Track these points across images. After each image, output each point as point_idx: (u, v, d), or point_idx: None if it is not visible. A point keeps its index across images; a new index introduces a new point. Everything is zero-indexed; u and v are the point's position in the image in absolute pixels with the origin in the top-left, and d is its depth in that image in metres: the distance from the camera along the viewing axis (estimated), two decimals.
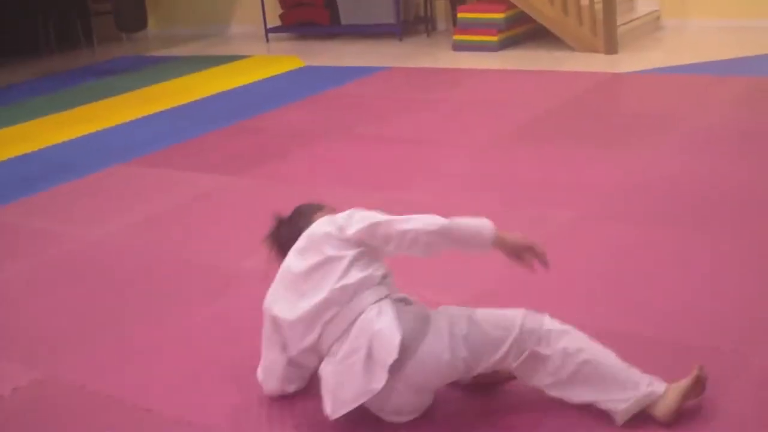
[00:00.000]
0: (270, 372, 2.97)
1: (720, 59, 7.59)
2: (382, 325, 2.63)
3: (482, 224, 2.74)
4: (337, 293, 2.71)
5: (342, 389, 2.67)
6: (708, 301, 3.45)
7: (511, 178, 5.09)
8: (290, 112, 7.30)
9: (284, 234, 3.07)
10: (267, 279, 4.01)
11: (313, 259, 2.80)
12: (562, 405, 2.75)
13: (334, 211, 3.03)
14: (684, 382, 2.67)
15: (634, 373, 2.68)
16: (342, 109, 7.22)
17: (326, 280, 2.74)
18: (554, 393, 2.71)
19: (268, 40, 11.03)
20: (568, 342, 2.66)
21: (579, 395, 2.69)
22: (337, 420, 2.71)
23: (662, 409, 2.65)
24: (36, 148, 6.89)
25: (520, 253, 2.77)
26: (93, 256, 4.60)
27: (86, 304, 4.02)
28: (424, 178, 5.25)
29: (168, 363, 3.39)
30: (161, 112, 7.71)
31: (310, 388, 3.03)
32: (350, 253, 2.77)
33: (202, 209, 5.15)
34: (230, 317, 3.71)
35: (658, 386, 2.67)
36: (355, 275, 2.73)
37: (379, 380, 2.60)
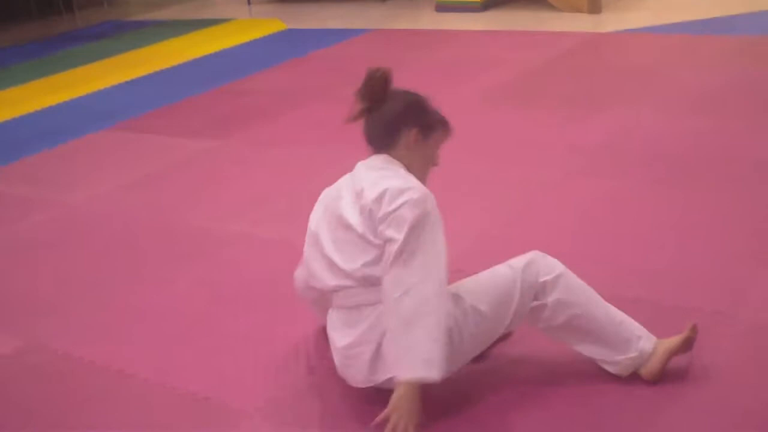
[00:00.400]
0: (300, 273, 3.01)
1: (703, 18, 7.58)
2: None
3: (427, 367, 2.44)
4: (359, 277, 2.62)
5: (348, 370, 2.70)
6: (692, 260, 3.46)
7: (495, 138, 5.08)
8: (274, 75, 7.26)
9: (375, 107, 2.87)
10: (253, 242, 4.03)
11: (355, 218, 2.64)
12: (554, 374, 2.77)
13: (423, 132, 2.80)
14: (674, 343, 2.69)
15: (626, 330, 2.69)
16: (325, 72, 7.18)
17: (358, 254, 2.62)
18: (548, 335, 2.75)
19: (250, 3, 10.95)
20: (561, 293, 2.66)
21: (570, 343, 2.73)
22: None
23: (649, 369, 2.68)
24: (18, 115, 6.84)
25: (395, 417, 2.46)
26: (77, 221, 4.58)
27: (70, 270, 4.01)
28: None
29: (153, 328, 3.38)
30: (143, 77, 7.66)
31: (278, 342, 3.04)
32: (378, 243, 2.58)
33: (186, 173, 5.13)
34: (216, 281, 3.70)
35: (647, 344, 2.68)
36: (379, 270, 2.58)
37: (383, 374, 2.61)
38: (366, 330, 2.63)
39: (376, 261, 2.58)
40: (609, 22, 7.83)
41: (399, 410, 2.44)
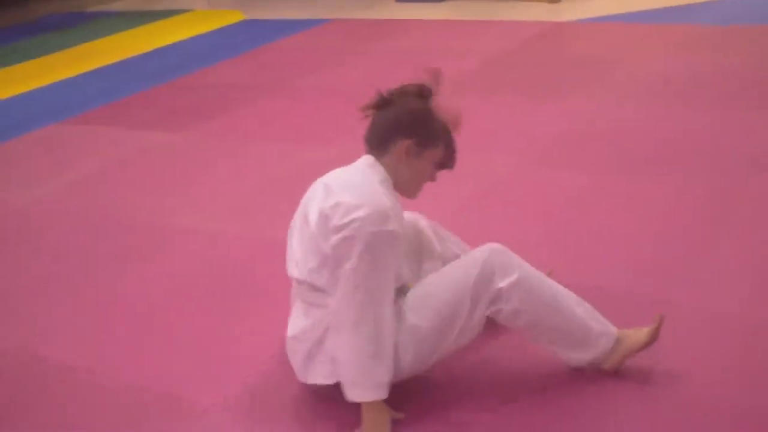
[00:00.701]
0: None
1: (662, 7, 7.61)
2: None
3: (374, 389, 2.48)
4: (308, 279, 2.59)
5: (291, 360, 2.72)
6: (643, 248, 3.45)
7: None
8: (231, 67, 7.18)
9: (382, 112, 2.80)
10: (204, 237, 3.97)
11: (314, 216, 2.57)
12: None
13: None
14: (638, 342, 2.65)
15: (586, 330, 2.65)
16: (284, 63, 7.11)
17: (310, 256, 2.58)
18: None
19: None
20: (517, 302, 2.58)
21: (529, 339, 2.69)
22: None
23: (610, 364, 2.68)
24: None
25: None
26: (28, 219, 4.49)
27: (22, 269, 3.93)
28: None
29: (108, 325, 3.32)
30: (97, 70, 7.56)
31: (234, 337, 3.00)
32: (325, 251, 2.53)
33: (140, 168, 5.05)
34: (171, 276, 3.64)
35: (608, 342, 2.65)
36: (323, 280, 2.57)
37: (312, 377, 2.64)
38: (308, 328, 2.62)
39: (320, 268, 2.54)
40: (568, 11, 7.83)
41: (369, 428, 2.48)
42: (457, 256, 2.91)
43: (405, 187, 2.71)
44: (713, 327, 2.90)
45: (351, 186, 2.58)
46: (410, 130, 2.69)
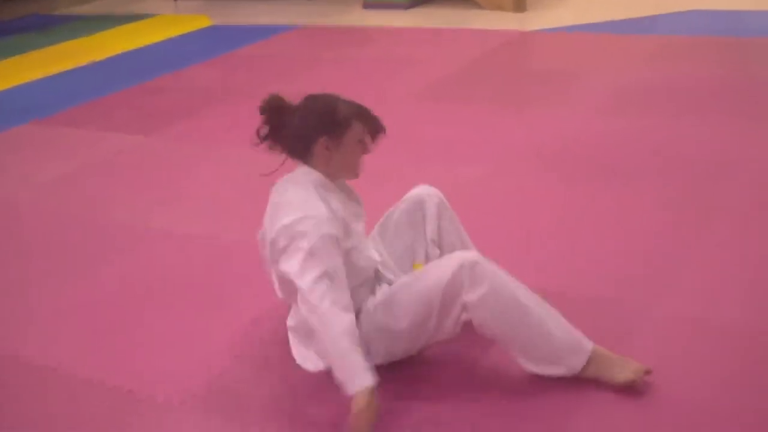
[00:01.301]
0: None
1: (627, 18, 7.70)
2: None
3: (357, 379, 2.51)
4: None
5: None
6: (615, 254, 3.53)
7: (419, 136, 5.11)
8: (198, 72, 7.22)
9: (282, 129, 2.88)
10: (175, 238, 4.01)
11: (266, 232, 2.79)
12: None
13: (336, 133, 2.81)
14: (612, 379, 2.66)
15: (557, 345, 2.67)
16: (250, 69, 7.15)
17: (273, 274, 2.81)
18: None
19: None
20: (484, 317, 2.63)
21: (503, 348, 2.73)
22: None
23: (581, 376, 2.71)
24: None
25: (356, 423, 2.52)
26: None
27: None
28: None
29: (77, 324, 3.36)
30: (66, 72, 7.55)
31: (202, 337, 3.05)
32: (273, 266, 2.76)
33: (111, 169, 5.08)
34: (139, 276, 3.68)
35: (578, 362, 2.67)
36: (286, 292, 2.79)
37: (309, 365, 2.80)
38: (299, 321, 2.80)
39: (281, 285, 2.78)
40: (533, 21, 7.91)
41: (358, 419, 2.49)
42: (451, 246, 3.01)
43: (343, 173, 2.83)
44: (697, 334, 2.96)
45: (289, 204, 2.70)
46: (319, 128, 2.79)
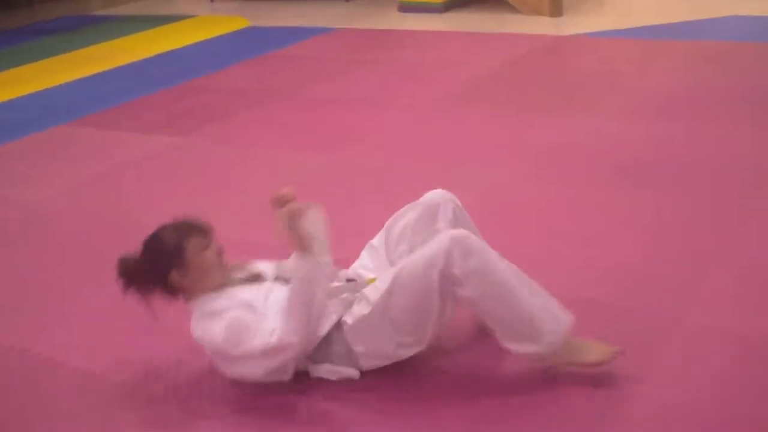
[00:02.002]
0: None
1: (664, 23, 7.65)
2: None
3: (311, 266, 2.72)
4: None
5: None
6: (646, 263, 3.49)
7: (454, 139, 5.11)
8: (235, 73, 7.24)
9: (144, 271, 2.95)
10: None
11: None
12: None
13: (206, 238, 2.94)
14: (583, 360, 2.73)
15: (537, 322, 2.69)
16: (287, 71, 7.17)
17: None
18: None
19: (212, 0, 10.90)
20: (472, 289, 2.66)
21: (484, 319, 2.76)
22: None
23: (551, 362, 2.76)
24: None
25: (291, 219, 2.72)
26: (33, 218, 4.55)
27: (25, 268, 3.98)
28: (367, 140, 5.25)
29: (109, 326, 3.37)
30: (103, 73, 7.60)
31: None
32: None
33: (147, 170, 5.11)
34: None
35: (554, 341, 2.70)
36: None
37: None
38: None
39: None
40: (569, 26, 7.88)
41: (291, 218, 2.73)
42: None
43: (213, 280, 2.88)
44: (712, 343, 2.94)
45: (199, 325, 2.85)
46: (160, 270, 2.87)
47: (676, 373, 2.78)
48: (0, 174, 5.27)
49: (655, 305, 3.17)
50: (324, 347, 2.83)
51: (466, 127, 5.34)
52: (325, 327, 2.79)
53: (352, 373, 2.83)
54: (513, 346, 2.73)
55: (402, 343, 2.77)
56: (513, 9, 8.58)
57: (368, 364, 2.83)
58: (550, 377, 2.77)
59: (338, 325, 2.81)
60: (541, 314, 2.71)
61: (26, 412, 2.92)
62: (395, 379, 2.84)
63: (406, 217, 3.02)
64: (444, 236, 2.71)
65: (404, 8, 9.13)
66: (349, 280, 2.97)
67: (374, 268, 2.93)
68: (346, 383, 2.83)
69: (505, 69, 6.59)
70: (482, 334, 2.89)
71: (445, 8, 8.94)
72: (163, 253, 2.88)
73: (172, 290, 2.89)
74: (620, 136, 4.93)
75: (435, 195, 3.04)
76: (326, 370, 2.84)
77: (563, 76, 6.39)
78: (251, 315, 2.73)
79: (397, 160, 4.84)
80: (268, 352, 2.68)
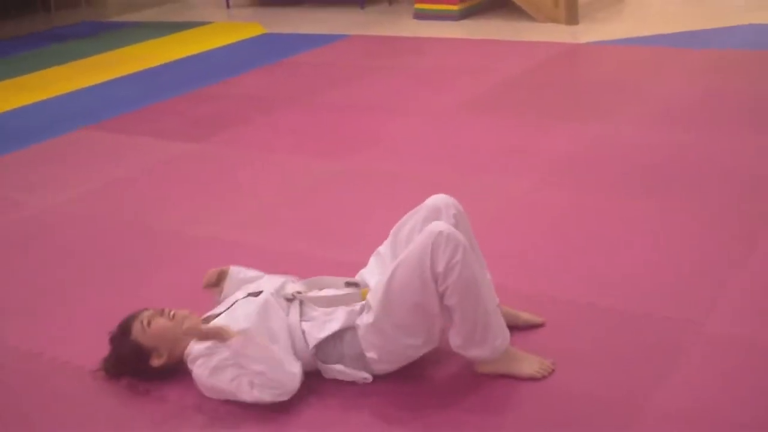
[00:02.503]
0: None
1: (681, 31, 7.63)
2: None
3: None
4: None
5: None
6: (663, 270, 3.48)
7: (469, 146, 5.10)
8: (251, 79, 7.26)
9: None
10: (224, 246, 4.03)
11: None
12: None
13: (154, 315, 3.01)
14: (521, 371, 2.81)
15: (491, 327, 2.76)
16: (302, 77, 7.18)
17: None
18: None
19: (229, 7, 10.93)
20: (453, 280, 2.66)
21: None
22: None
23: (485, 369, 2.84)
24: None
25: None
26: (49, 223, 4.56)
27: (42, 272, 3.99)
28: (380, 146, 5.26)
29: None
30: (120, 78, 7.63)
31: None
32: None
33: (161, 176, 5.12)
34: (187, 284, 3.68)
35: (498, 348, 2.78)
36: None
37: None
38: None
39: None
40: (586, 33, 7.87)
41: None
42: None
43: (186, 339, 2.89)
44: (730, 350, 2.93)
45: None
46: (141, 360, 2.96)
47: (693, 379, 2.77)
48: (16, 179, 5.28)
49: (673, 312, 3.15)
50: (337, 348, 2.84)
51: (480, 134, 5.33)
52: (324, 332, 2.84)
53: (365, 376, 2.84)
54: (460, 349, 2.79)
55: (412, 344, 2.79)
56: (529, 17, 8.57)
57: (380, 368, 2.84)
58: (564, 386, 2.77)
59: (352, 328, 2.82)
60: (493, 318, 2.77)
61: (31, 412, 2.93)
62: (409, 384, 2.84)
63: (409, 223, 3.02)
64: (425, 235, 2.71)
65: (420, 15, 9.14)
66: (348, 284, 3.01)
67: (380, 275, 2.93)
68: (360, 388, 2.83)
69: (521, 76, 6.58)
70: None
71: (461, 16, 8.94)
72: (130, 358, 2.97)
73: (165, 369, 2.97)
74: (636, 143, 4.92)
75: (437, 200, 3.03)
76: (338, 371, 2.85)
77: (579, 84, 6.38)
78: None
79: (411, 167, 4.84)
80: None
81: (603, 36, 7.67)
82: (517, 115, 5.64)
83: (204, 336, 2.78)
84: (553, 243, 3.81)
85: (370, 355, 2.80)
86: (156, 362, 2.93)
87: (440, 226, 2.72)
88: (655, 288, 3.34)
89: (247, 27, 9.53)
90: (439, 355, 2.92)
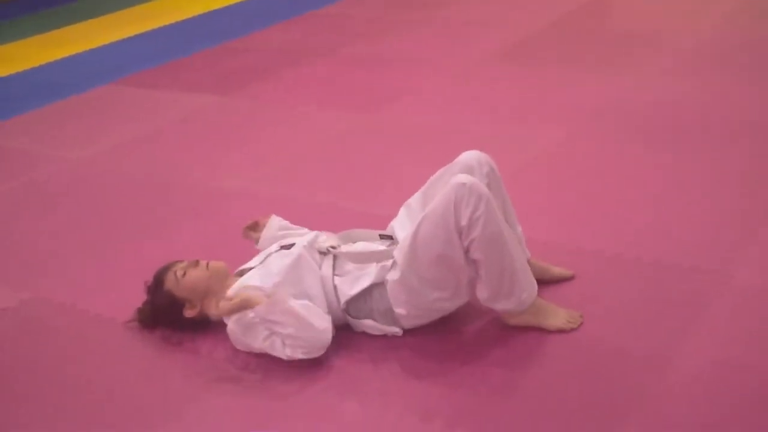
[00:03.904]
0: None
1: None
2: None
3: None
4: None
5: None
6: (692, 222, 3.47)
7: (498, 99, 5.08)
8: (277, 32, 7.23)
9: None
10: (253, 199, 4.05)
11: None
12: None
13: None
14: (553, 323, 2.83)
15: (518, 279, 2.76)
16: (329, 30, 7.15)
17: None
18: None
19: None
20: (477, 233, 2.65)
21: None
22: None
23: (514, 321, 2.85)
24: (18, 70, 6.83)
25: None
26: (79, 176, 4.59)
27: (72, 225, 4.03)
28: (411, 98, 5.24)
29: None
30: (147, 33, 7.63)
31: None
32: None
33: (189, 130, 5.13)
34: (216, 235, 3.72)
35: (525, 300, 2.79)
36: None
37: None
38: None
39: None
40: None
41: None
42: None
43: (218, 290, 2.97)
44: (760, 300, 2.92)
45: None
46: (173, 311, 3.00)
47: (723, 330, 2.77)
48: (46, 134, 5.32)
49: (703, 262, 3.14)
50: (367, 303, 2.86)
51: (508, 87, 5.30)
52: (355, 289, 2.86)
53: (395, 330, 2.85)
54: (487, 301, 2.80)
55: (440, 297, 2.80)
56: None
57: (410, 323, 2.86)
58: (593, 338, 2.77)
59: (381, 284, 2.84)
60: (520, 271, 2.78)
61: (65, 364, 2.98)
62: (438, 338, 2.86)
63: (443, 178, 3.01)
64: (449, 187, 2.70)
65: None
66: (382, 236, 3.01)
67: (410, 228, 2.93)
68: (390, 341, 2.85)
69: (549, 27, 6.52)
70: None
71: None
72: (163, 309, 3.02)
73: (198, 320, 3.01)
74: (666, 95, 4.87)
75: (470, 156, 3.01)
76: (369, 326, 2.87)
77: (609, 34, 6.31)
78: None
79: (439, 119, 4.83)
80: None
81: None
82: (545, 66, 5.60)
83: (233, 312, 2.79)
84: (580, 195, 3.80)
85: (399, 310, 2.82)
86: (189, 313, 2.97)
87: (463, 178, 2.70)
88: (683, 239, 3.33)
89: None
90: (468, 309, 2.94)
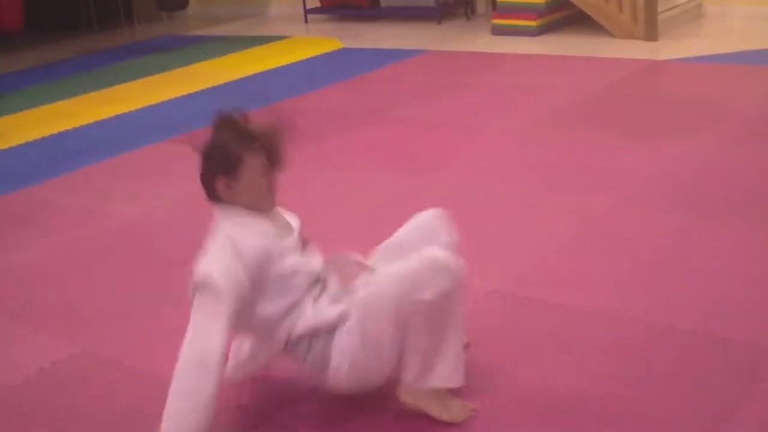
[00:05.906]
0: None
1: (762, 48, 7.51)
2: None
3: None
4: None
5: None
6: (742, 293, 3.43)
7: (548, 164, 5.08)
8: (328, 94, 7.32)
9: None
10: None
11: None
12: None
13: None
14: (440, 414, 2.70)
15: (448, 358, 2.66)
16: (380, 92, 7.23)
17: None
18: None
19: (307, 21, 11.05)
20: (429, 312, 2.58)
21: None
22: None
23: (408, 399, 2.71)
24: (76, 125, 6.96)
25: None
26: (131, 233, 4.66)
27: (124, 282, 4.08)
28: (461, 162, 5.26)
29: None
30: (200, 92, 7.76)
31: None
32: None
33: None
34: None
35: (457, 380, 2.69)
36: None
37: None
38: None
39: None
40: (665, 50, 7.79)
41: None
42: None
43: (255, 206, 2.88)
44: None
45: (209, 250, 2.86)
46: (215, 169, 2.85)
47: None
48: (99, 189, 5.40)
49: (755, 338, 3.10)
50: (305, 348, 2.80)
51: (559, 152, 5.31)
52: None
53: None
54: (416, 381, 2.67)
55: (381, 365, 2.70)
56: (607, 33, 8.52)
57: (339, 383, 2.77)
58: (643, 408, 2.74)
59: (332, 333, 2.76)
60: (453, 356, 2.67)
61: (108, 420, 2.99)
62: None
63: (404, 233, 3.09)
64: (427, 253, 2.67)
65: (498, 31, 9.14)
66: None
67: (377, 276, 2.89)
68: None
69: (600, 93, 6.54)
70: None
71: (539, 31, 8.92)
72: (220, 157, 2.87)
73: (208, 191, 2.92)
74: (719, 163, 4.85)
75: (428, 213, 3.09)
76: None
77: (660, 102, 6.31)
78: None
79: (490, 184, 4.83)
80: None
81: (683, 53, 7.59)
82: (596, 133, 5.60)
83: None
84: (632, 264, 3.77)
85: (335, 363, 2.72)
86: (222, 188, 2.88)
87: (440, 254, 2.65)
88: (736, 313, 3.28)
89: (325, 42, 9.62)
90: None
